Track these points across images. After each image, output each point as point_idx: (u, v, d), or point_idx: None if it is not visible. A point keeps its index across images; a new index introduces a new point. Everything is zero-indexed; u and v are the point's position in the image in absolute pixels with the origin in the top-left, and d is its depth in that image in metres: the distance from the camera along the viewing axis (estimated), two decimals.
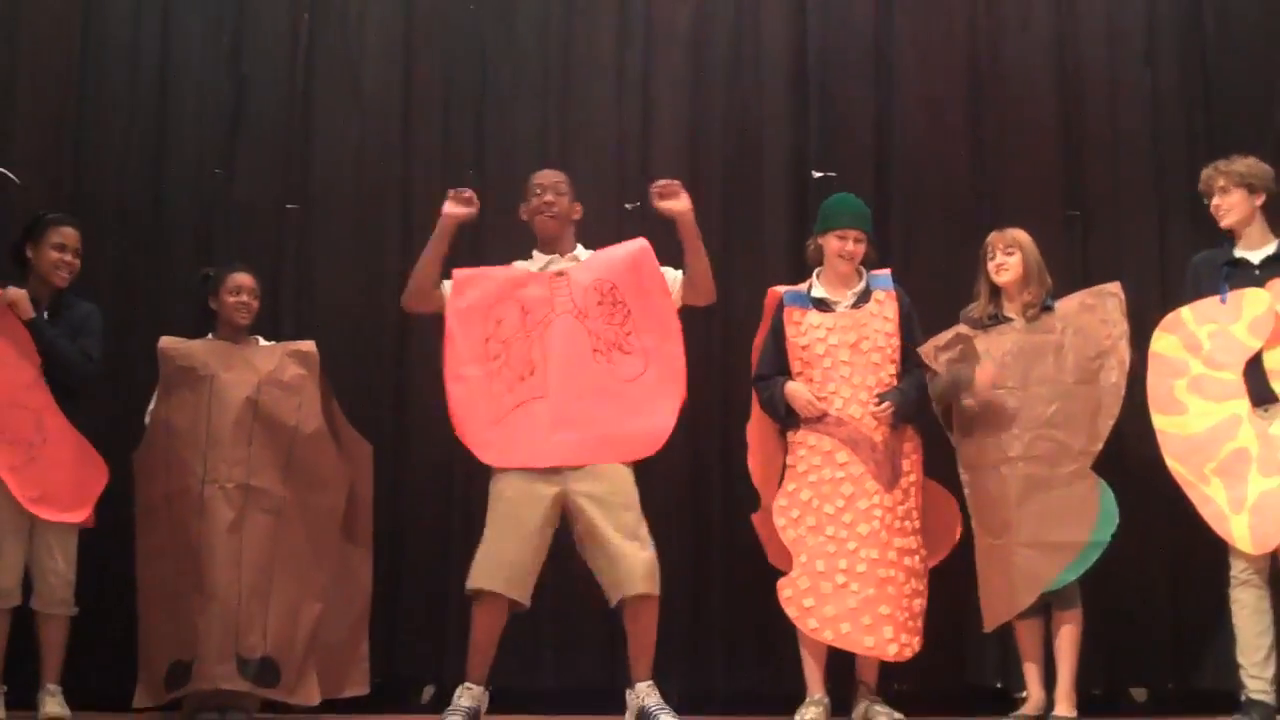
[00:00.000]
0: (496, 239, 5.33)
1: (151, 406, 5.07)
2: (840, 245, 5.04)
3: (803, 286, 5.13)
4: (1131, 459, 5.05)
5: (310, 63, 5.92)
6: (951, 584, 5.17)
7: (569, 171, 5.06)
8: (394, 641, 5.49)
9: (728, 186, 5.85)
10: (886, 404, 4.92)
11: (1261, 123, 5.65)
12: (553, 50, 5.96)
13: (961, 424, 5.04)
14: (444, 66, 5.95)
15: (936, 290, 5.38)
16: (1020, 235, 5.06)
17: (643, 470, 4.70)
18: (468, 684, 4.44)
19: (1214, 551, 4.81)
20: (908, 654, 4.86)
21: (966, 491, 5.02)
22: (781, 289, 5.15)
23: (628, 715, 4.40)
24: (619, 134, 5.86)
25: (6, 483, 4.76)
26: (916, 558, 4.93)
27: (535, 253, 4.86)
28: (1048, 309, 5.01)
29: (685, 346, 4.78)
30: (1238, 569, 4.69)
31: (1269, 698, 4.60)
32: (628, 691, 4.40)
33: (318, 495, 5.06)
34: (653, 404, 4.61)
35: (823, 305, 5.06)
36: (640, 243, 4.82)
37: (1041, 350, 4.94)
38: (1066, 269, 5.38)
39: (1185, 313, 4.91)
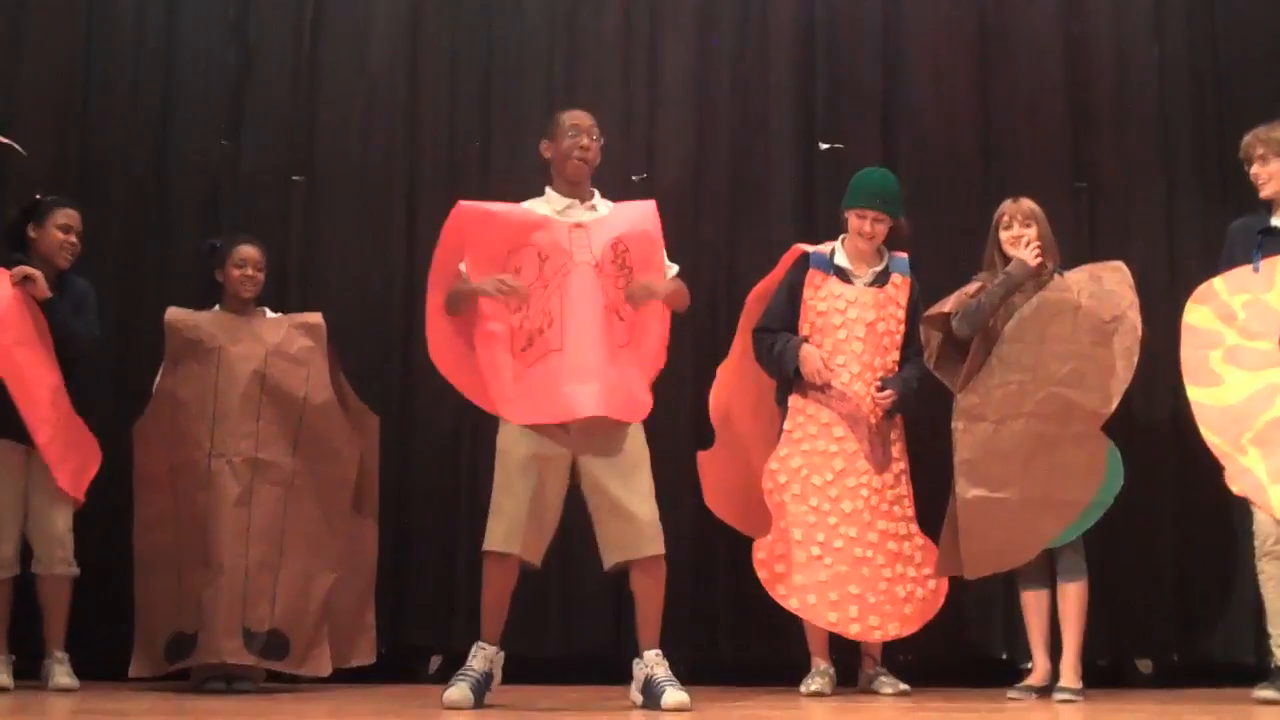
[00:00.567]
0: None
1: (159, 378, 5.08)
2: (859, 224, 5.03)
3: (825, 249, 5.11)
4: (1138, 428, 5.05)
5: (316, 34, 5.91)
6: None
7: None
8: (401, 612, 5.50)
9: (735, 158, 5.84)
10: (889, 391, 4.93)
11: (1270, 95, 5.61)
12: (559, 20, 5.94)
13: (969, 374, 4.99)
14: (450, 38, 5.93)
15: (942, 262, 5.37)
16: (1035, 207, 5.04)
17: (647, 434, 4.66)
18: (481, 643, 4.36)
19: (1220, 523, 4.83)
20: (876, 635, 4.89)
21: (957, 442, 4.90)
22: (806, 247, 5.13)
23: (633, 686, 4.40)
24: (625, 105, 5.85)
25: (43, 452, 4.82)
26: (906, 544, 4.94)
27: (552, 192, 4.58)
28: (1058, 275, 5.00)
29: (693, 321, 4.74)
30: (1262, 539, 4.63)
31: None
32: (635, 661, 4.39)
33: (329, 466, 5.07)
34: (635, 376, 4.49)
35: (843, 275, 5.05)
36: (651, 208, 4.71)
37: (1060, 309, 4.91)
38: (1074, 241, 5.37)
39: (1217, 283, 4.85)
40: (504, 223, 4.49)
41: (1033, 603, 4.95)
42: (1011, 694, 4.87)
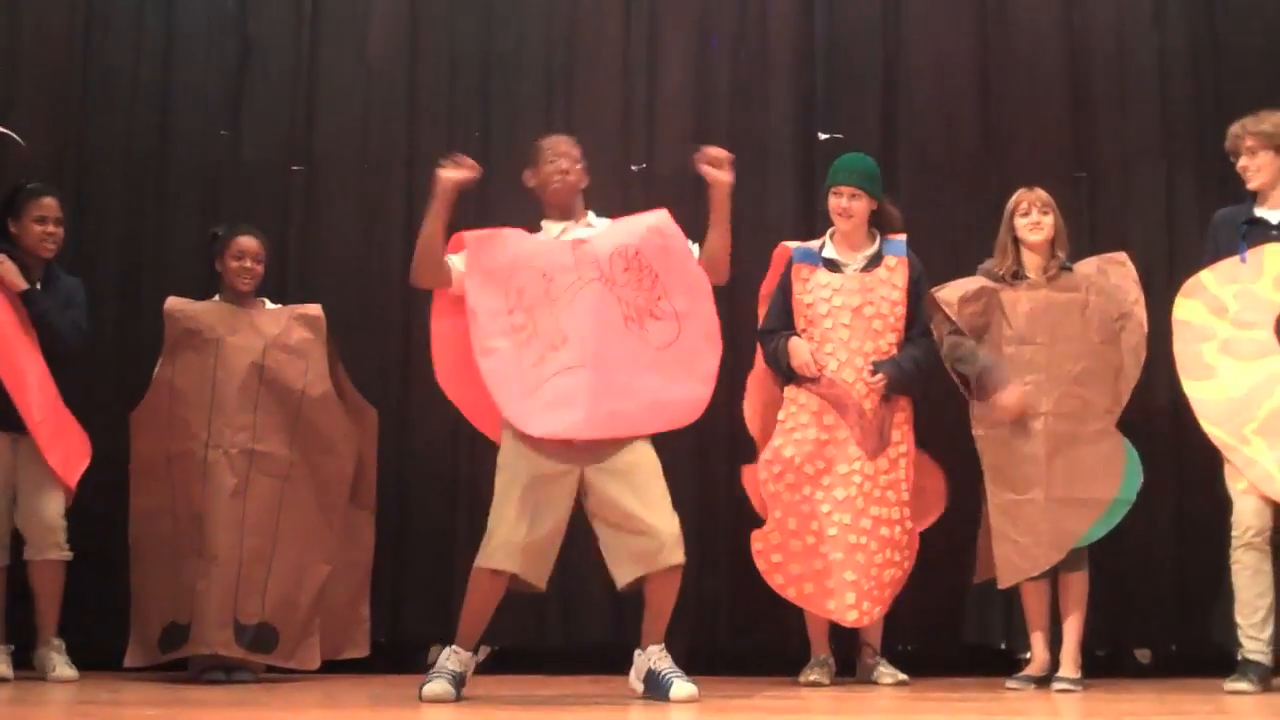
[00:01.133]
0: (502, 204, 5.27)
1: (157, 367, 5.08)
2: (836, 203, 5.05)
3: (814, 244, 5.13)
4: (1136, 419, 5.04)
5: (316, 24, 5.89)
6: (954, 546, 5.19)
7: (574, 133, 5.02)
8: (399, 604, 5.51)
9: (734, 147, 5.73)
10: (880, 375, 4.92)
11: (1270, 83, 5.60)
12: (559, 9, 5.93)
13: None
14: (449, 29, 5.92)
15: (943, 251, 5.38)
16: (1049, 196, 5.04)
17: None
18: (455, 648, 4.31)
19: (1217, 513, 4.82)
20: (866, 621, 4.90)
21: (982, 450, 4.96)
22: (792, 244, 5.15)
23: (633, 674, 4.39)
24: (625, 95, 5.84)
25: (34, 434, 4.80)
26: (898, 529, 4.94)
27: (545, 223, 4.64)
28: (1067, 269, 5.00)
29: None
30: (1240, 531, 4.68)
31: (1265, 658, 4.61)
32: (637, 652, 4.38)
33: (325, 458, 5.08)
34: (689, 368, 4.41)
35: (833, 266, 5.06)
36: (660, 213, 4.71)
37: (1068, 308, 4.92)
38: (1073, 229, 5.33)
39: (1205, 276, 4.86)
40: (505, 242, 4.52)
41: (1033, 593, 4.95)
42: (1010, 684, 4.87)
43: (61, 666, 4.89)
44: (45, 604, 4.92)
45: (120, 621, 5.05)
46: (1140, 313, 4.92)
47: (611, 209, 4.84)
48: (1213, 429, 4.71)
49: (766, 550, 4.93)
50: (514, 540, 4.24)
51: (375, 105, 5.86)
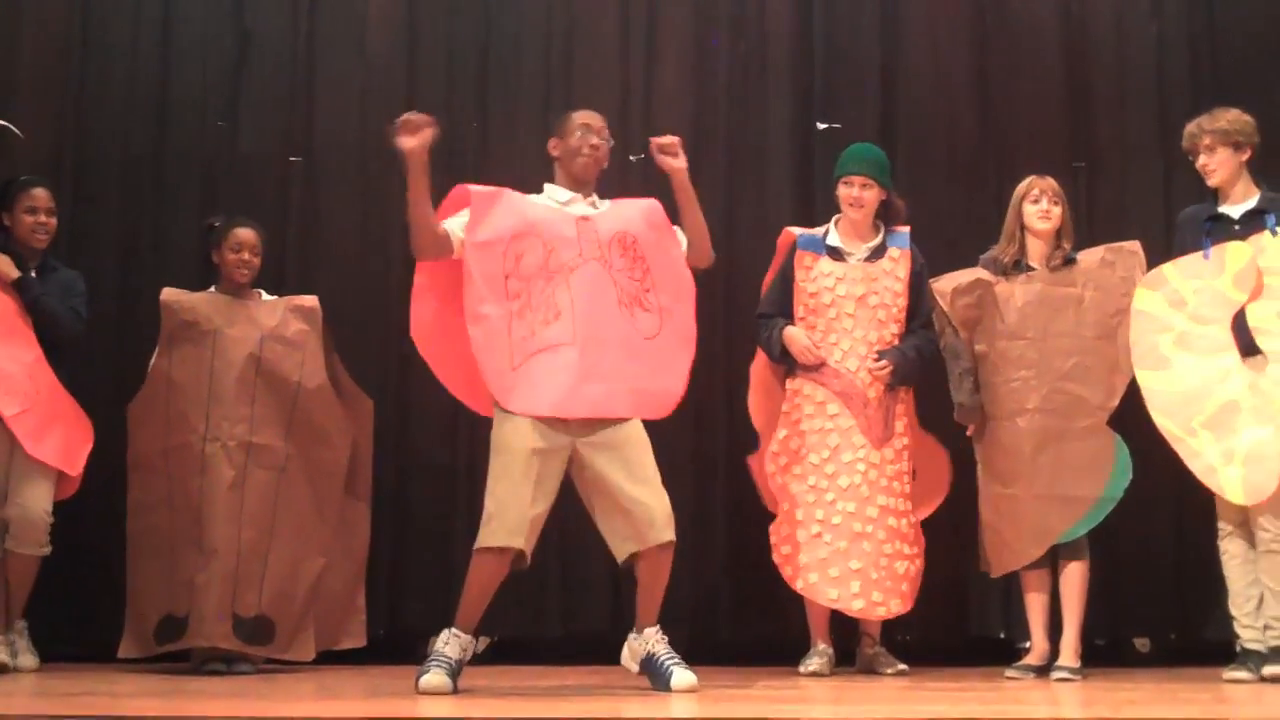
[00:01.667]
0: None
1: (154, 359, 5.08)
2: (847, 192, 5.04)
3: (818, 231, 5.12)
4: (1135, 410, 5.04)
5: (313, 16, 5.89)
6: (955, 536, 5.20)
7: None
8: (398, 595, 5.51)
9: (732, 138, 5.83)
10: (885, 363, 4.92)
11: (1267, 73, 5.61)
12: (557, 1, 5.92)
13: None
14: (447, 19, 5.92)
15: (941, 242, 5.36)
16: (1059, 186, 5.03)
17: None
18: (456, 631, 4.26)
19: (1215, 503, 4.82)
20: (880, 613, 4.88)
21: (975, 440, 5.01)
22: (796, 230, 5.14)
23: (626, 653, 4.38)
24: (623, 85, 5.84)
25: (10, 426, 4.77)
26: (904, 520, 4.94)
27: (553, 186, 4.55)
28: (1071, 261, 5.00)
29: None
30: (1224, 522, 4.72)
31: (1263, 646, 4.61)
32: (632, 634, 4.37)
33: (321, 450, 5.08)
34: (667, 365, 4.44)
35: (836, 254, 5.05)
36: (652, 202, 4.71)
37: (1063, 303, 4.93)
38: (1072, 220, 5.35)
39: (1168, 269, 4.87)
40: (511, 205, 4.44)
41: (1034, 582, 4.95)
42: (1010, 673, 4.87)
43: (24, 657, 4.90)
44: (18, 591, 4.90)
45: (117, 613, 5.04)
46: None
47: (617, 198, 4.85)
48: (1163, 420, 4.73)
49: (777, 543, 4.95)
50: (519, 517, 4.21)
51: (373, 96, 5.85)
